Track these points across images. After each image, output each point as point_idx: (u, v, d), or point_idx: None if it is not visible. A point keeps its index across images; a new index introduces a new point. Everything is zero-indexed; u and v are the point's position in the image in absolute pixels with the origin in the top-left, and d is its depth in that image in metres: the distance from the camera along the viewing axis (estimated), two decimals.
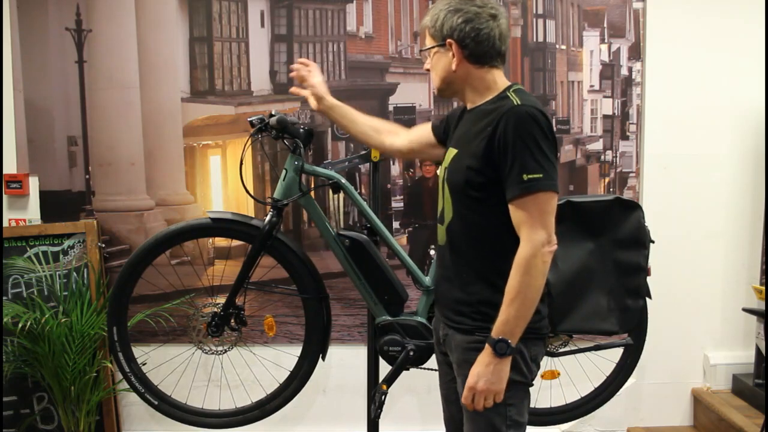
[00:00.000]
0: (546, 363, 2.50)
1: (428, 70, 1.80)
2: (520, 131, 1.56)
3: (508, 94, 1.65)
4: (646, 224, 2.17)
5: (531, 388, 1.76)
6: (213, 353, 2.50)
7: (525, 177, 1.55)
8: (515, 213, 1.60)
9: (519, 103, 1.60)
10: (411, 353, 2.36)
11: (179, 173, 3.09)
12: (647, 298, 2.25)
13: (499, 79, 1.72)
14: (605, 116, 3.12)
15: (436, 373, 2.45)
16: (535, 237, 1.57)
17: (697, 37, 3.04)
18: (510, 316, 1.58)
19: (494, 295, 1.65)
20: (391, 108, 3.06)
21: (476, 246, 1.69)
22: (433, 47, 1.75)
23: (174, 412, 2.46)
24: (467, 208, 1.69)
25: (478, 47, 1.68)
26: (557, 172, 1.59)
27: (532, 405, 2.55)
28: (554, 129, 1.59)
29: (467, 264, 1.71)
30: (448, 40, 1.70)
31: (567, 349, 2.45)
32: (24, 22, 3.02)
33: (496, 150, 1.59)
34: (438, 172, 1.86)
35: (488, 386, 1.62)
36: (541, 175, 1.55)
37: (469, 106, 1.77)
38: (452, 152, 1.77)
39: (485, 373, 1.62)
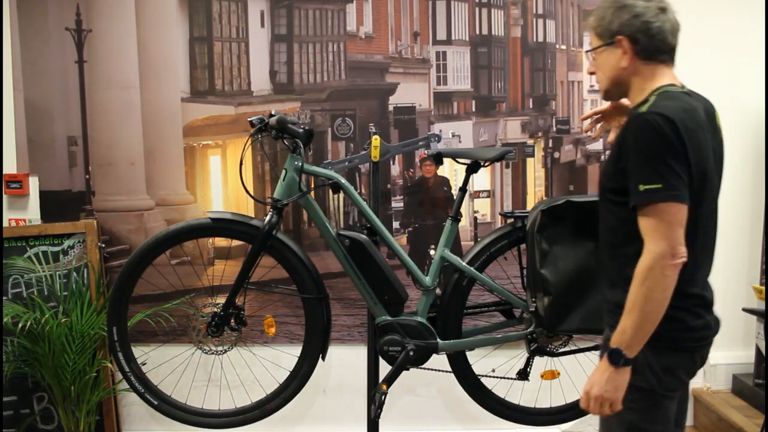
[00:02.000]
0: (546, 363, 2.51)
1: (592, 72, 1.79)
2: (638, 140, 1.53)
3: (650, 97, 1.61)
4: None
5: (665, 398, 1.66)
6: (213, 353, 2.50)
7: (641, 188, 1.52)
8: (639, 223, 1.56)
9: (645, 109, 1.56)
10: (411, 353, 2.37)
11: (179, 173, 3.09)
12: None
13: (659, 79, 1.66)
14: None
15: (436, 373, 2.45)
16: (654, 248, 1.52)
17: (697, 37, 3.01)
18: (626, 327, 1.55)
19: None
20: (391, 108, 3.06)
21: (612, 250, 1.69)
22: (600, 47, 1.71)
23: (174, 412, 2.46)
24: (607, 212, 1.70)
25: (650, 42, 1.64)
26: (684, 182, 1.52)
27: (531, 405, 2.58)
28: (685, 135, 1.51)
29: (607, 266, 1.72)
30: (618, 37, 1.65)
31: (567, 349, 2.45)
32: (24, 22, 3.02)
33: (623, 158, 1.57)
34: None
35: (602, 393, 1.59)
36: (660, 185, 1.50)
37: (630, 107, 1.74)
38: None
39: (600, 381, 1.59)
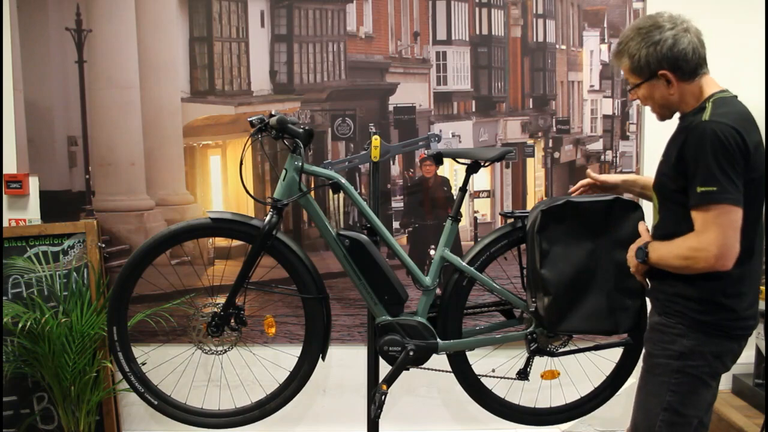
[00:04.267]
0: (546, 363, 2.51)
1: (634, 99, 1.93)
2: (701, 146, 1.65)
3: (706, 105, 1.73)
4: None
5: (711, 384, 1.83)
6: (213, 353, 2.50)
7: (698, 189, 1.65)
8: (694, 221, 1.69)
9: (707, 118, 1.68)
10: (411, 353, 2.37)
11: (179, 173, 3.09)
12: (647, 298, 2.25)
13: (706, 87, 1.79)
14: (605, 116, 3.12)
15: (437, 373, 2.45)
16: (704, 242, 1.66)
17: None
18: (659, 255, 1.79)
19: (687, 288, 1.77)
20: (391, 108, 3.06)
21: None
22: (642, 83, 1.81)
23: (174, 412, 2.46)
24: (667, 210, 1.83)
25: (689, 64, 1.76)
26: (738, 187, 1.65)
27: (531, 405, 2.58)
28: (749, 143, 1.66)
29: None
30: (661, 72, 1.77)
31: (567, 349, 2.45)
32: (24, 22, 3.02)
33: (684, 161, 1.70)
34: None
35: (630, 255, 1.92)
36: (714, 188, 1.63)
37: (680, 115, 1.85)
38: (660, 160, 1.87)
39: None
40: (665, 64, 1.75)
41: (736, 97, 1.81)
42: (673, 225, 1.79)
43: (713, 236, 1.64)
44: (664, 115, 1.87)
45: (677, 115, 1.87)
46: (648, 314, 1.98)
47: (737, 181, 1.65)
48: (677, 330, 1.79)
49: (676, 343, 1.78)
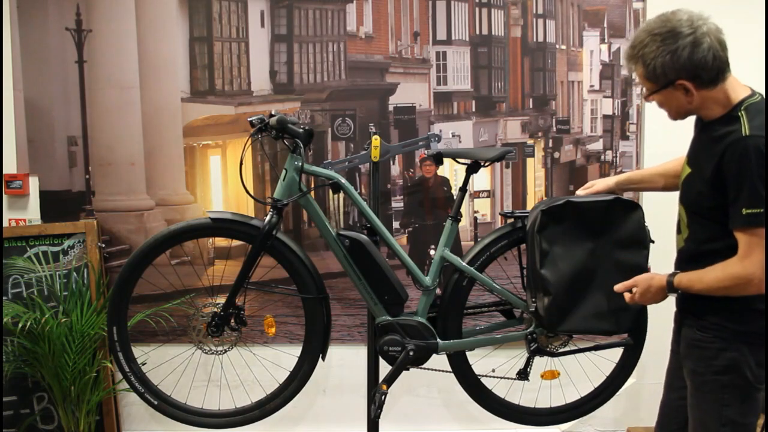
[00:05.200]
0: (546, 363, 2.51)
1: (649, 102, 1.80)
2: (744, 164, 1.59)
3: (740, 115, 1.65)
4: (646, 224, 2.17)
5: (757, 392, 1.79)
6: (213, 353, 2.50)
7: (744, 211, 1.60)
8: (740, 243, 1.65)
9: (748, 132, 1.61)
10: (411, 353, 2.37)
11: (179, 173, 3.09)
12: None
13: (731, 91, 1.69)
14: (605, 116, 3.12)
15: (437, 373, 2.45)
16: (749, 268, 1.63)
17: None
18: (692, 285, 1.73)
19: (721, 300, 1.73)
20: (391, 108, 3.06)
21: (707, 262, 1.73)
22: (657, 91, 1.72)
23: (174, 412, 2.46)
24: (699, 225, 1.78)
25: (709, 73, 1.65)
26: None
27: (532, 405, 2.58)
28: None
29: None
30: (679, 82, 1.66)
31: (567, 349, 2.45)
32: (24, 22, 3.02)
33: (723, 178, 1.64)
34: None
35: (640, 291, 1.83)
36: (761, 210, 1.59)
37: (704, 120, 1.77)
38: (686, 170, 1.82)
39: (648, 283, 1.82)
40: (683, 73, 1.64)
41: (762, 97, 1.71)
42: (706, 242, 1.76)
43: (757, 259, 1.61)
44: (678, 118, 1.80)
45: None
46: (677, 325, 1.94)
47: None
48: (718, 344, 1.76)
49: (719, 357, 1.75)
